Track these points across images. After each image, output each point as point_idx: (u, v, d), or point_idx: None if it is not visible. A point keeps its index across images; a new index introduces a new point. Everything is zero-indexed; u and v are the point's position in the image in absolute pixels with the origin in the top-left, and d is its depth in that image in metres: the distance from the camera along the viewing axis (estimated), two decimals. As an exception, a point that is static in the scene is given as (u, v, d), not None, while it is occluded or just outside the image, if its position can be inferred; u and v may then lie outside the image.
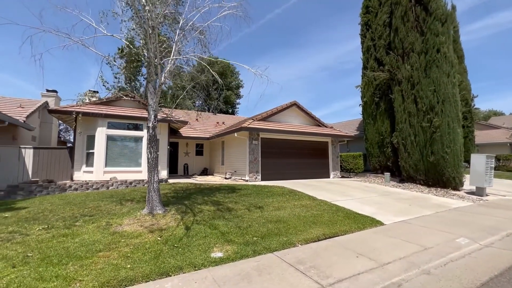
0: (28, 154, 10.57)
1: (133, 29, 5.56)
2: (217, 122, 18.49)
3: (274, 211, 6.33)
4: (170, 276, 3.40)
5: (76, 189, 8.64)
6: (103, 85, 5.75)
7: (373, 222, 5.81)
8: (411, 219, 6.22)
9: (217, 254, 4.08)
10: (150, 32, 5.47)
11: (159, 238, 4.47)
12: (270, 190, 8.96)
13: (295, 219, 5.75)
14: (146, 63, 5.65)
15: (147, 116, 11.78)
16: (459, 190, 10.38)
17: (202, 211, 6.12)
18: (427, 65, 10.90)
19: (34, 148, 10.71)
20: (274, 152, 12.56)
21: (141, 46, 5.49)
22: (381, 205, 7.62)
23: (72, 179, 10.53)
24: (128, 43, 5.46)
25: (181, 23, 5.95)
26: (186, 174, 16.25)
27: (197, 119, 19.02)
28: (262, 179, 11.90)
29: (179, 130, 15.25)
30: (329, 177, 14.23)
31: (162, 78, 5.51)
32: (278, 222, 5.52)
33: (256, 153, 11.92)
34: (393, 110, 12.79)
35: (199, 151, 17.31)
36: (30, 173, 10.52)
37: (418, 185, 11.57)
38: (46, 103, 15.69)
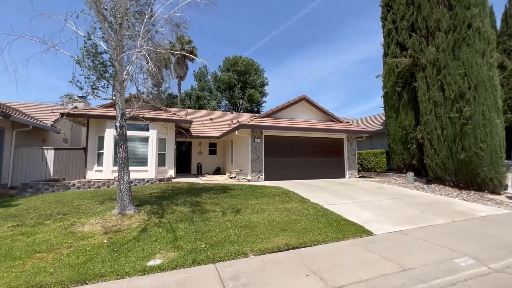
0: (50, 155, 11.60)
1: (96, 24, 5.46)
2: (231, 121, 18.32)
3: (250, 215, 5.80)
4: (87, 284, 3.17)
5: (79, 188, 9.17)
6: (76, 85, 5.79)
7: (359, 232, 4.92)
8: (412, 229, 5.15)
9: (155, 261, 3.76)
10: (107, 26, 5.36)
11: (105, 241, 4.31)
12: (264, 191, 8.38)
13: (265, 225, 5.15)
14: (109, 60, 5.57)
15: (152, 116, 12.16)
16: (499, 194, 8.51)
17: (174, 212, 5.88)
18: (455, 44, 9.15)
19: (54, 149, 11.72)
20: (280, 151, 11.86)
21: (101, 40, 5.37)
22: (385, 210, 6.53)
23: (85, 178, 11.27)
24: (88, 39, 5.39)
25: (146, 18, 5.75)
26: (200, 173, 16.40)
27: (211, 118, 19.15)
28: (266, 179, 11.32)
29: (190, 130, 15.43)
30: (344, 177, 13.01)
31: (124, 75, 5.37)
32: (244, 228, 4.99)
33: (259, 151, 11.38)
34: (417, 100, 11.10)
35: (213, 150, 17.35)
36: (51, 171, 11.54)
37: (447, 187, 9.83)
38: (76, 108, 17.19)
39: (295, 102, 12.75)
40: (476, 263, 3.64)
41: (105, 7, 5.21)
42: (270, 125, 11.38)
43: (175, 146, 13.14)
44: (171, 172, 12.77)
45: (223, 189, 8.67)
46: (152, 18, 5.74)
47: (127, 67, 5.36)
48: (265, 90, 41.80)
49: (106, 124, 11.24)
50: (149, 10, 5.75)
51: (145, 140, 11.80)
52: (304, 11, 57.70)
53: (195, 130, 16.06)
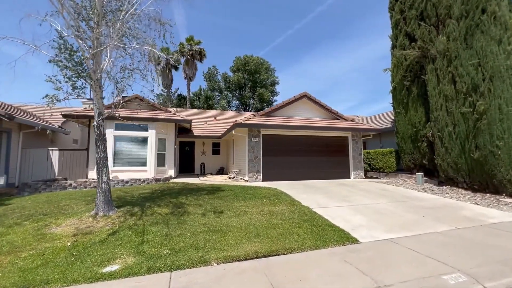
0: (55, 155, 11.97)
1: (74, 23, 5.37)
2: (235, 120, 18.06)
3: (229, 218, 5.49)
4: (29, 291, 3.02)
5: (75, 187, 9.31)
6: (53, 82, 5.72)
7: (343, 239, 4.46)
8: (406, 237, 4.61)
9: (112, 267, 3.56)
10: (84, 24, 5.26)
11: (69, 244, 4.19)
12: (255, 192, 8.04)
13: (241, 230, 4.82)
14: (83, 58, 5.45)
15: (151, 116, 12.18)
16: (519, 198, 7.58)
17: (153, 214, 5.70)
18: (467, 32, 8.28)
19: (59, 149, 12.07)
20: (279, 150, 11.44)
21: (77, 38, 5.27)
22: (381, 215, 5.97)
23: (87, 177, 11.49)
24: (60, 38, 5.30)
25: (121, 15, 5.59)
26: (203, 173, 16.32)
27: (215, 118, 19.02)
28: (264, 179, 10.95)
29: (192, 129, 15.38)
30: (349, 178, 12.33)
31: (98, 74, 5.24)
32: (217, 232, 4.69)
33: (257, 151, 11.02)
34: (427, 95, 10.23)
35: (216, 150, 17.21)
36: (56, 171, 11.90)
37: (460, 189, 8.96)
38: (85, 109, 17.71)
39: (296, 100, 12.26)
40: (468, 281, 3.10)
41: (81, 7, 5.11)
42: (268, 123, 10.99)
43: (175, 146, 13.11)
44: (171, 172, 12.74)
45: (215, 190, 8.43)
46: (127, 14, 5.56)
47: (103, 65, 5.22)
48: (275, 89, 41.27)
49: (106, 124, 11.36)
50: (125, 7, 5.59)
51: (144, 140, 11.84)
52: (320, 8, 56.29)
53: (198, 129, 15.99)
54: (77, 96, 5.63)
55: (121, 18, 5.49)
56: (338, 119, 12.93)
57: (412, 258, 3.75)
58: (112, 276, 3.31)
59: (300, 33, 60.81)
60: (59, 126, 14.10)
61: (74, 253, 3.87)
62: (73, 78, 5.66)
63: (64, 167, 12.03)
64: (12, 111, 10.82)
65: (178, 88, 37.82)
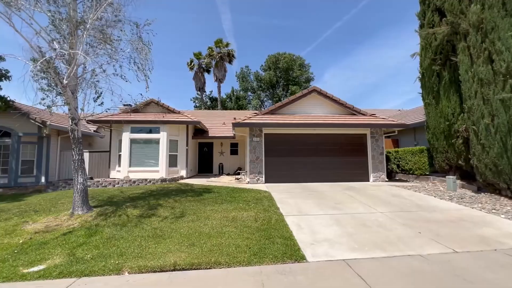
0: (86, 157, 13.47)
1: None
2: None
3: (185, 223, 5.25)
4: (-50, 285, 3.29)
5: (89, 186, 10.29)
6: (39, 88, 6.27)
7: (286, 256, 3.80)
8: (371, 259, 3.71)
9: (38, 267, 3.71)
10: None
11: (21, 241, 4.51)
12: (241, 195, 7.63)
13: (182, 236, 4.54)
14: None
15: (163, 119, 12.75)
16: None
17: (121, 215, 5.84)
18: (507, -6, 6.38)
19: (89, 151, 13.58)
20: (283, 150, 10.71)
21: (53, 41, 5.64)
22: (364, 228, 4.98)
23: (109, 177, 12.67)
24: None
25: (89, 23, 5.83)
26: (221, 173, 16.48)
27: (234, 118, 19.00)
28: (267, 181, 10.39)
29: (208, 130, 15.66)
30: (368, 181, 10.84)
31: (65, 81, 5.55)
32: (158, 238, 4.50)
33: (259, 151, 10.52)
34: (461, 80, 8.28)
35: (234, 151, 17.17)
36: (87, 171, 13.38)
37: (502, 198, 6.98)
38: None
39: (304, 95, 11.33)
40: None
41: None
42: (270, 122, 10.39)
43: (187, 147, 13.48)
44: (183, 172, 13.15)
45: (204, 191, 8.31)
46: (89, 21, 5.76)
47: (71, 72, 5.53)
48: (310, 86, 39.57)
49: (123, 128, 12.34)
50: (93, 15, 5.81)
51: (156, 142, 12.45)
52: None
53: (215, 130, 16.19)
54: (53, 104, 6.07)
55: (88, 26, 5.72)
56: (354, 114, 11.51)
57: (348, 289, 2.93)
58: (24, 277, 3.39)
59: (351, 24, 57.03)
60: (94, 131, 15.89)
61: (15, 251, 4.14)
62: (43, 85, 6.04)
63: (92, 167, 13.49)
64: (48, 118, 12.54)
65: (212, 91, 39.23)
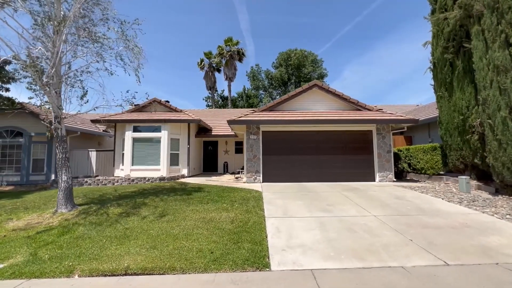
0: (93, 156, 13.91)
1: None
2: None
3: (159, 223, 5.06)
4: None
5: (90, 184, 10.52)
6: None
7: (248, 263, 3.47)
8: (342, 270, 3.29)
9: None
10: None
11: (-6, 238, 4.54)
12: (230, 194, 7.34)
13: (147, 238, 4.35)
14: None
15: (164, 118, 12.78)
16: None
17: (102, 214, 5.79)
18: (526, -34, 5.52)
19: (96, 150, 13.98)
20: (282, 148, 10.27)
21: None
22: (347, 233, 4.50)
23: (113, 175, 12.93)
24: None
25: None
26: (226, 172, 16.33)
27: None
28: (265, 181, 10.02)
29: (212, 129, 15.56)
30: (374, 180, 10.10)
31: (44, 79, 5.56)
32: (122, 239, 4.35)
33: (256, 150, 10.16)
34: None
35: (239, 149, 16.93)
36: (94, 169, 13.82)
37: (523, 201, 6.10)
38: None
39: (304, 91, 10.79)
40: None
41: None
42: (266, 119, 10.00)
43: (188, 146, 13.44)
44: (185, 171, 13.12)
45: (195, 190, 8.12)
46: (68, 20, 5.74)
47: (51, 71, 5.54)
48: (325, 82, 38.41)
49: (125, 127, 12.52)
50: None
51: (157, 140, 12.50)
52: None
53: (219, 129, 16.05)
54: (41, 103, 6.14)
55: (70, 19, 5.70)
56: (359, 109, 10.79)
57: (300, 306, 2.54)
58: (-23, 276, 3.34)
59: (371, 19, 54.93)
60: (104, 130, 16.36)
61: (-16, 248, 4.14)
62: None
63: (99, 165, 13.88)
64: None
65: (223, 90, 39.28)
